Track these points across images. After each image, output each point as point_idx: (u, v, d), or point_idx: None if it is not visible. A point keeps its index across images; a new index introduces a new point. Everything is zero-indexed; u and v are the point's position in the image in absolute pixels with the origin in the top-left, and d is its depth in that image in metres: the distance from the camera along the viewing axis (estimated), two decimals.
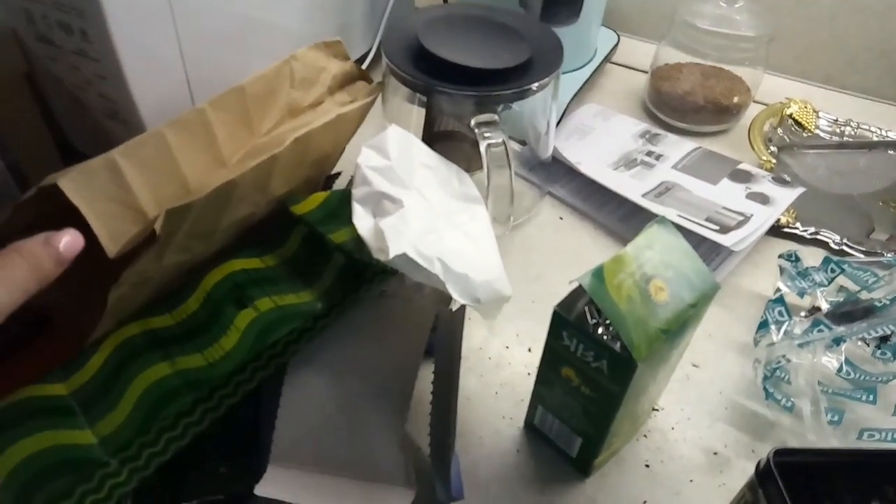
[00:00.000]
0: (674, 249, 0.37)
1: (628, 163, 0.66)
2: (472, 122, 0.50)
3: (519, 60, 0.52)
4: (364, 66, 0.70)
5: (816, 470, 0.32)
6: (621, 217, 0.61)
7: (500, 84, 0.51)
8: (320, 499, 0.36)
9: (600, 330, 0.36)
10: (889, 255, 0.51)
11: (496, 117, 0.50)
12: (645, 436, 0.44)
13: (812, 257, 0.59)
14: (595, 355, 0.35)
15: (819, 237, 0.60)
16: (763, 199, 0.60)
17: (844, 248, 0.59)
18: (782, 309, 0.49)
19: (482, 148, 0.48)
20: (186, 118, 0.40)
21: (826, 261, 0.51)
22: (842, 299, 0.50)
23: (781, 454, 0.32)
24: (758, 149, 0.67)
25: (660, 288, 0.35)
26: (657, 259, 0.36)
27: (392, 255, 0.37)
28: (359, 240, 0.41)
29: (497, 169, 0.48)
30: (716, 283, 0.37)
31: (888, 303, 0.45)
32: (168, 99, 0.50)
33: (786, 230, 0.61)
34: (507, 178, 0.48)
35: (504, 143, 0.48)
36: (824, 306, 0.49)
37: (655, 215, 0.38)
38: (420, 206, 0.44)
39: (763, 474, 0.32)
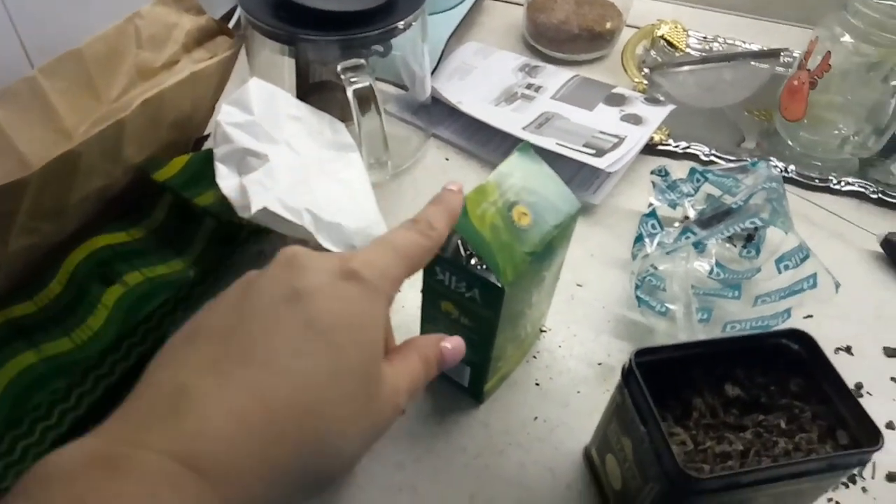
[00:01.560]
0: (536, 175, 0.38)
1: (509, 97, 0.67)
2: (339, 68, 0.49)
3: (381, 1, 0.51)
4: (233, 22, 0.66)
5: (675, 364, 0.35)
6: (505, 152, 0.62)
7: (365, 27, 0.50)
8: None
9: (473, 261, 0.36)
10: (750, 159, 0.55)
11: (362, 61, 0.49)
12: (534, 357, 0.47)
13: (685, 170, 0.62)
14: (467, 286, 0.36)
15: (690, 150, 0.63)
16: (636, 119, 0.62)
17: (713, 158, 0.63)
18: (654, 222, 0.51)
19: (349, 93, 0.47)
20: (14, 89, 0.38)
21: (692, 172, 0.54)
22: (706, 206, 0.53)
23: (641, 354, 0.34)
24: (630, 72, 0.69)
25: (523, 213, 0.36)
26: (519, 185, 0.37)
27: (254, 210, 0.36)
28: (225, 200, 0.40)
29: (367, 114, 0.48)
30: (578, 203, 0.39)
31: (742, 203, 0.48)
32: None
33: (660, 147, 0.63)
34: (378, 122, 0.48)
35: (371, 86, 0.48)
36: (692, 214, 0.52)
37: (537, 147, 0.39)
38: (288, 159, 0.43)
39: (626, 375, 0.34)
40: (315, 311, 0.23)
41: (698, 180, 0.53)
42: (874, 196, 0.59)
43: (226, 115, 0.43)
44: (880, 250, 0.54)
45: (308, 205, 0.39)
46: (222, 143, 0.42)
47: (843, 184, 0.60)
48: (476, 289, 0.36)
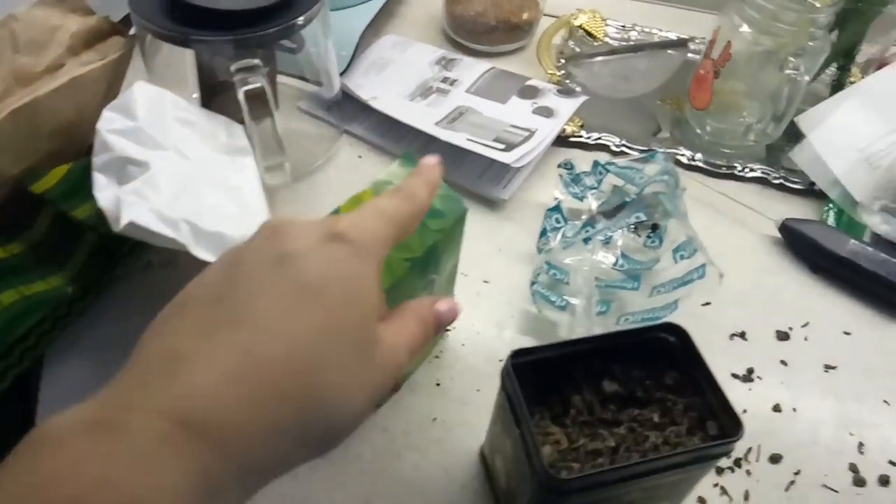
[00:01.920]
0: None
1: (424, 91, 0.66)
2: (232, 69, 0.48)
3: None
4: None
5: (557, 362, 0.36)
6: (419, 148, 0.62)
7: (262, 25, 0.49)
8: None
9: None
10: (651, 150, 0.55)
11: (256, 61, 0.48)
12: (437, 357, 0.47)
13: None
14: None
15: (602, 142, 0.64)
16: (548, 112, 0.63)
17: (624, 149, 0.63)
18: (559, 216, 0.52)
19: (239, 96, 0.46)
20: None
21: (595, 164, 0.54)
22: (611, 198, 0.54)
23: (518, 355, 0.34)
24: (545, 63, 0.70)
25: None
26: None
27: (122, 224, 0.35)
28: (101, 213, 0.39)
29: (261, 116, 0.47)
30: (464, 207, 0.39)
31: (635, 196, 0.49)
32: None
33: (572, 139, 0.64)
34: (271, 125, 0.47)
35: (263, 87, 0.47)
36: (594, 206, 0.53)
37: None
38: (176, 166, 0.42)
39: (504, 375, 0.34)
40: (305, 272, 0.22)
41: (601, 173, 0.54)
42: (776, 182, 0.61)
43: (106, 121, 0.42)
44: (779, 235, 0.56)
45: (189, 214, 0.39)
46: (101, 151, 0.41)
47: (747, 170, 0.62)
48: None
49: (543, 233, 0.52)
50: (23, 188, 0.42)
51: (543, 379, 0.36)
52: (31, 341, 0.39)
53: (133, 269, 0.44)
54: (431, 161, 0.33)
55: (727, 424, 0.33)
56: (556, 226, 0.51)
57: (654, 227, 0.54)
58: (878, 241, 0.55)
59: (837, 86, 0.67)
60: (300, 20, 0.51)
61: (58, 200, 0.41)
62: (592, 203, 0.53)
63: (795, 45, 0.55)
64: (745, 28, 0.57)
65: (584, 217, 0.54)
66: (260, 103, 0.47)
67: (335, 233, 0.24)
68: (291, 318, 0.22)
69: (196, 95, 0.55)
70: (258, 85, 0.47)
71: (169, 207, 0.38)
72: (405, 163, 0.38)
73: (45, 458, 0.18)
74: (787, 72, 0.55)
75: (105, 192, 0.39)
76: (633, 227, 0.53)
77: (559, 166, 0.56)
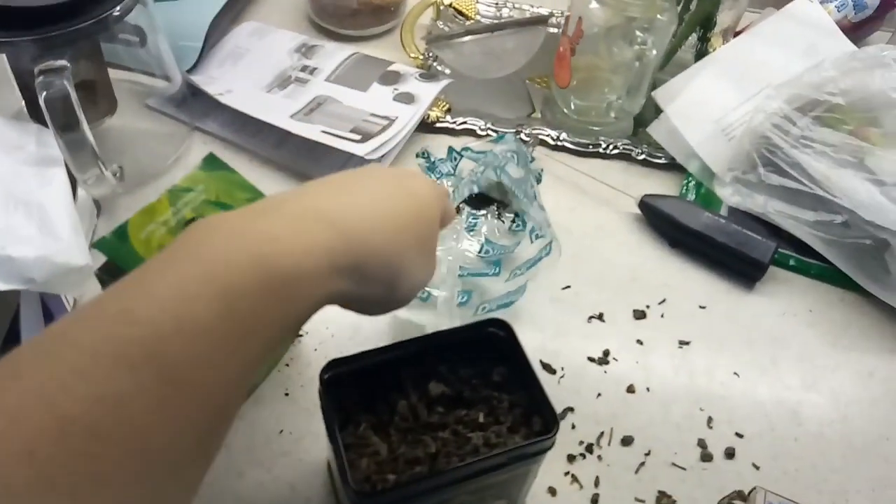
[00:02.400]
0: (225, 185, 0.36)
1: (282, 82, 0.63)
2: (36, 71, 0.44)
3: None
4: None
5: (384, 366, 0.34)
6: (275, 143, 0.59)
7: (68, 21, 0.45)
8: None
9: None
10: (503, 132, 0.54)
11: (60, 63, 0.44)
12: (287, 365, 0.45)
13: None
14: None
15: (468, 126, 0.62)
16: (409, 98, 0.61)
17: (489, 132, 0.62)
18: None
19: (41, 101, 0.42)
20: None
21: (449, 151, 0.53)
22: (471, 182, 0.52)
23: (331, 367, 0.33)
24: (409, 46, 0.67)
25: None
26: (200, 200, 0.34)
27: None
28: None
29: (69, 123, 0.43)
30: None
31: (478, 177, 0.48)
32: None
33: (437, 125, 0.62)
34: (81, 133, 0.43)
35: (68, 91, 0.43)
36: (451, 195, 0.51)
37: None
38: None
39: (320, 388, 0.32)
40: (404, 175, 0.31)
41: (455, 158, 0.52)
42: (640, 158, 0.61)
43: None
44: (639, 212, 0.56)
45: None
46: None
47: (611, 147, 0.62)
48: None
49: None
50: None
51: (370, 385, 0.34)
52: None
53: None
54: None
55: (550, 419, 0.33)
56: None
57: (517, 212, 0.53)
58: (734, 213, 0.56)
59: (700, 55, 0.67)
60: (116, 11, 0.47)
61: None
62: (449, 190, 0.52)
63: (644, 20, 0.55)
64: (594, 4, 0.56)
65: None
66: (67, 110, 0.43)
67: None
68: (391, 200, 0.29)
69: (23, 105, 0.51)
70: (60, 89, 0.43)
71: None
72: (208, 166, 0.36)
73: (219, 230, 0.23)
74: (637, 47, 0.55)
75: None
76: (497, 212, 0.52)
77: (417, 156, 0.54)
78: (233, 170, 0.36)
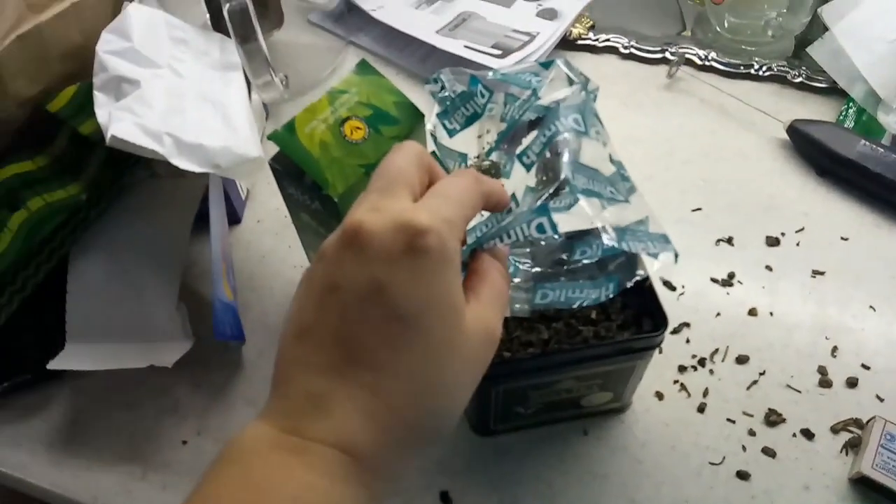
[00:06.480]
0: (375, 89, 0.39)
1: None
2: None
3: None
4: None
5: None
6: (421, 57, 0.62)
7: None
8: (106, 363, 0.42)
9: None
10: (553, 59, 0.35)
11: None
12: None
13: (606, 64, 0.62)
14: (310, 198, 0.39)
15: (610, 43, 0.62)
16: (552, 14, 0.61)
17: (633, 50, 0.61)
18: None
19: (224, 13, 0.48)
20: None
21: (472, 81, 0.35)
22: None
23: None
24: None
25: (356, 127, 0.38)
26: (353, 101, 0.38)
27: (108, 138, 0.39)
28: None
29: (247, 34, 0.49)
30: (421, 114, 0.40)
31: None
32: None
33: (579, 42, 0.62)
34: (256, 40, 0.49)
35: (246, 5, 0.48)
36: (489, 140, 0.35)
37: None
38: (170, 83, 0.46)
39: None
40: (396, 303, 0.24)
41: (482, 95, 0.35)
42: (797, 81, 0.57)
43: (104, 43, 0.45)
44: (787, 138, 0.53)
45: (172, 128, 0.42)
46: (99, 71, 0.44)
47: (764, 70, 0.58)
48: (317, 200, 0.38)
49: None
50: (42, 108, 0.47)
51: None
52: (58, 241, 0.44)
53: (141, 178, 0.48)
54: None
55: (658, 321, 0.34)
56: None
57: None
58: None
59: None
60: None
61: (68, 118, 0.45)
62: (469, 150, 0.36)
63: None
64: None
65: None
66: (245, 21, 0.49)
67: (417, 233, 0.25)
68: (398, 353, 0.25)
69: (208, 18, 0.58)
70: (240, 2, 0.48)
71: (155, 121, 0.42)
72: (361, 71, 0.40)
73: (256, 468, 0.23)
74: None
75: (102, 109, 0.43)
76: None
77: (426, 82, 0.36)
78: (382, 75, 0.40)
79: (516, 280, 0.32)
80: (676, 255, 0.30)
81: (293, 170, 0.38)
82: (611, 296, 0.30)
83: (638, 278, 0.31)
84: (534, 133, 0.33)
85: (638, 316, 0.36)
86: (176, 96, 0.45)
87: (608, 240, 0.29)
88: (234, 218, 0.53)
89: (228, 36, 0.50)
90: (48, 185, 0.45)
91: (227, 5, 0.48)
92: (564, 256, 0.32)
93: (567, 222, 0.29)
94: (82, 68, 0.52)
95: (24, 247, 0.43)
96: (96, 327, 0.44)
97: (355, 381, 0.25)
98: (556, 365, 0.34)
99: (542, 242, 0.34)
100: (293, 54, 0.64)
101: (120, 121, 0.41)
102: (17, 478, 0.41)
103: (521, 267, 0.32)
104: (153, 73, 0.45)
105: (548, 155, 0.32)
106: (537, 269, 0.32)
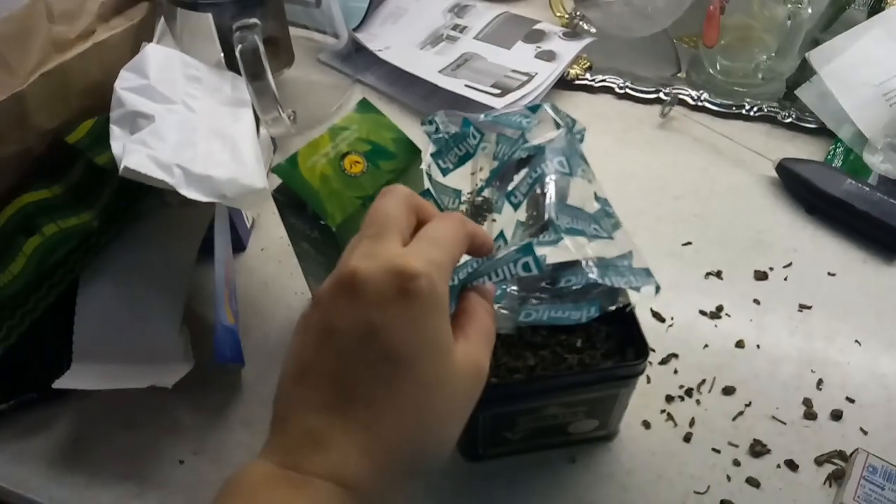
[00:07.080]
0: (374, 126, 0.42)
1: (434, 40, 0.68)
2: (234, 27, 0.53)
3: None
4: None
5: None
6: (424, 95, 0.65)
7: None
8: (109, 383, 0.43)
9: None
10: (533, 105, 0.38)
11: (253, 20, 0.53)
12: None
13: (603, 103, 0.64)
14: (310, 227, 0.41)
15: (606, 83, 0.64)
16: (550, 56, 0.63)
17: (628, 90, 0.63)
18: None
19: (237, 52, 0.51)
20: None
21: (465, 123, 0.37)
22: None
23: None
24: (555, 6, 0.70)
25: (355, 161, 0.40)
26: (353, 137, 0.41)
27: (121, 168, 0.42)
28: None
29: (257, 72, 0.52)
30: (418, 149, 0.42)
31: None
32: None
33: (577, 82, 0.64)
34: (266, 81, 0.52)
35: (257, 45, 0.51)
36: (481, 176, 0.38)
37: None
38: (182, 118, 0.48)
39: None
40: (389, 344, 0.26)
41: (474, 137, 0.37)
42: (786, 121, 0.59)
43: (122, 80, 0.48)
44: (776, 176, 0.55)
45: (184, 160, 0.44)
46: (116, 106, 0.47)
47: (754, 110, 0.60)
48: (316, 229, 0.40)
49: None
50: (61, 139, 0.50)
51: None
52: (68, 266, 0.47)
53: (152, 207, 0.51)
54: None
55: (640, 349, 0.36)
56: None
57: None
58: (884, 182, 0.53)
59: (873, 12, 0.63)
60: None
61: (85, 149, 0.48)
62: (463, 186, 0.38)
63: None
64: None
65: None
66: (256, 60, 0.52)
67: (408, 277, 0.26)
68: (390, 391, 0.26)
69: (222, 56, 0.61)
70: (252, 43, 0.51)
71: (167, 154, 0.44)
72: (362, 109, 0.42)
73: (260, 501, 0.25)
74: (789, 5, 0.53)
75: (117, 141, 0.46)
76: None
77: (422, 123, 0.38)
78: (382, 113, 0.42)
79: (503, 303, 0.34)
80: (658, 288, 0.32)
81: (295, 201, 0.41)
82: (592, 317, 0.32)
83: (620, 304, 0.33)
84: (523, 172, 0.36)
85: (622, 345, 0.37)
86: (188, 130, 0.47)
87: (592, 275, 0.30)
88: (239, 245, 0.55)
89: (240, 74, 0.53)
90: (63, 212, 0.48)
91: (240, 46, 0.51)
92: (550, 284, 0.33)
93: (554, 254, 0.31)
94: (100, 103, 0.55)
95: (37, 270, 0.45)
96: (102, 348, 0.46)
97: (351, 417, 0.26)
98: (541, 390, 0.35)
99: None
100: (303, 90, 0.67)
101: (133, 153, 0.43)
102: (19, 494, 0.42)
103: (507, 291, 0.34)
104: (167, 109, 0.48)
105: (538, 191, 0.34)
106: (524, 293, 0.34)
